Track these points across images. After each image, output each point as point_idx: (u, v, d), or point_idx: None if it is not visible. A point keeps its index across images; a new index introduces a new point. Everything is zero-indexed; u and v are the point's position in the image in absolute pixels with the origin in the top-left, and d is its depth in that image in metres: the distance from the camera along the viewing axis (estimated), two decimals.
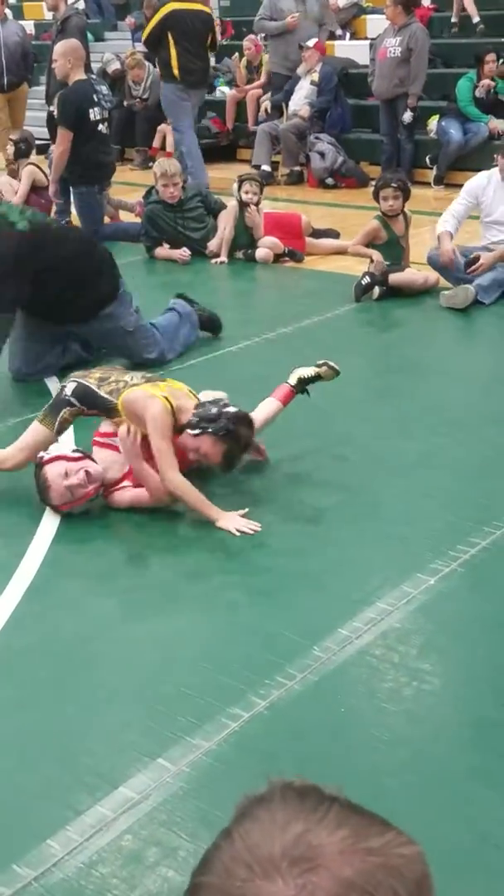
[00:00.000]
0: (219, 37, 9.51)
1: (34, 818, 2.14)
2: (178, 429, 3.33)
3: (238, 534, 3.20)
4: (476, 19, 10.24)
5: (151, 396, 3.34)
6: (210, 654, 2.66)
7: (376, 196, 6.00)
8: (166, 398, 3.35)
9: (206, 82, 9.23)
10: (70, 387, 3.49)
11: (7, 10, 10.23)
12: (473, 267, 5.71)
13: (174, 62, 8.29)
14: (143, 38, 8.74)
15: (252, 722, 2.39)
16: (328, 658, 2.60)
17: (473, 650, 2.65)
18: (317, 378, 3.82)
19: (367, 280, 5.88)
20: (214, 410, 3.31)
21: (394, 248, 6.03)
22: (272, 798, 0.71)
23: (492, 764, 2.25)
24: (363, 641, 2.67)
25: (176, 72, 8.32)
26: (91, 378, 3.52)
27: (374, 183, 9.09)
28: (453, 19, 10.42)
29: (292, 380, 3.81)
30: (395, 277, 5.87)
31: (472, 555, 3.07)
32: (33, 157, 8.50)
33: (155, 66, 10.85)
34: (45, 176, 8.23)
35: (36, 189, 8.24)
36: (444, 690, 2.50)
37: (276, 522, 3.35)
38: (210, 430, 3.27)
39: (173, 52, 8.27)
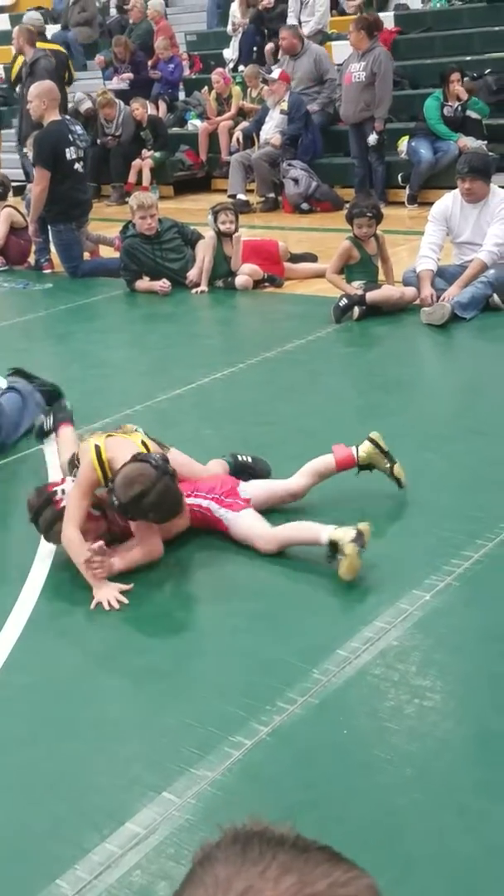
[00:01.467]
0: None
1: (43, 858, 2.13)
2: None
3: (107, 606, 3.03)
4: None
5: (87, 451, 3.34)
6: (210, 682, 2.66)
7: (350, 221, 6.08)
8: (98, 448, 3.30)
9: None
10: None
11: None
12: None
13: None
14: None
15: (255, 749, 2.38)
16: (328, 680, 2.60)
17: (472, 663, 2.66)
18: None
19: (344, 301, 5.92)
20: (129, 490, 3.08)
21: (367, 266, 6.10)
22: (216, 856, 0.70)
23: (498, 776, 2.25)
24: (362, 661, 2.67)
25: None
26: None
27: (347, 206, 9.24)
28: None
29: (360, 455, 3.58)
30: (372, 295, 5.92)
31: (466, 568, 3.08)
32: (10, 199, 8.56)
33: (126, 105, 11.01)
34: (23, 217, 8.29)
35: (14, 230, 8.30)
36: (445, 706, 2.50)
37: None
38: (129, 515, 3.17)
39: None
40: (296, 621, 2.91)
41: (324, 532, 3.10)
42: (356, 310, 5.90)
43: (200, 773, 2.32)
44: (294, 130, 9.71)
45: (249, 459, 3.79)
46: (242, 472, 3.69)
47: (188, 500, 3.31)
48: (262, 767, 2.33)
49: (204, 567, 3.27)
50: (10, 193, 8.66)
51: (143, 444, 3.39)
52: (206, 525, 3.38)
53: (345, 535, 3.03)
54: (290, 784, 2.27)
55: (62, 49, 10.61)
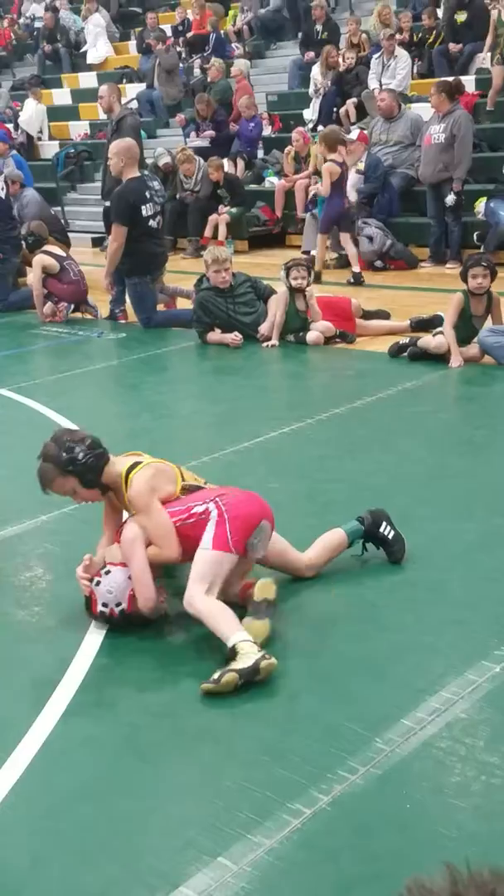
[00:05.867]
0: None
1: None
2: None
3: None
4: None
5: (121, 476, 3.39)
6: (269, 745, 2.60)
7: (464, 275, 6.06)
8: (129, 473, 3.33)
9: None
10: None
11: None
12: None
13: None
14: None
15: (314, 818, 2.31)
16: (391, 751, 2.52)
17: None
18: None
19: (403, 341, 6.32)
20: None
21: (467, 325, 6.07)
22: None
23: None
24: (427, 733, 2.58)
25: None
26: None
27: (421, 264, 9.26)
28: (489, 107, 10.59)
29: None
30: (423, 341, 6.19)
31: None
32: (85, 249, 8.77)
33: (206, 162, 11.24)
34: (56, 258, 8.43)
35: (52, 274, 8.44)
36: None
37: (335, 606, 3.30)
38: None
39: None
40: (358, 686, 2.83)
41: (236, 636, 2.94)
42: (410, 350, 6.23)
43: (257, 839, 2.25)
44: (370, 189, 9.79)
45: (390, 535, 3.55)
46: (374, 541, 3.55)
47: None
48: (320, 837, 2.26)
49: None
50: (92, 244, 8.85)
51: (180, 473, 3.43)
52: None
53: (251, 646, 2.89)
54: (349, 857, 2.19)
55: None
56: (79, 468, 3.28)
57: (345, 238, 9.19)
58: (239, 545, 3.13)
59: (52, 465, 3.32)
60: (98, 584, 3.25)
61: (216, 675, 2.81)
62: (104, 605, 3.24)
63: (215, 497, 3.23)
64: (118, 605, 3.23)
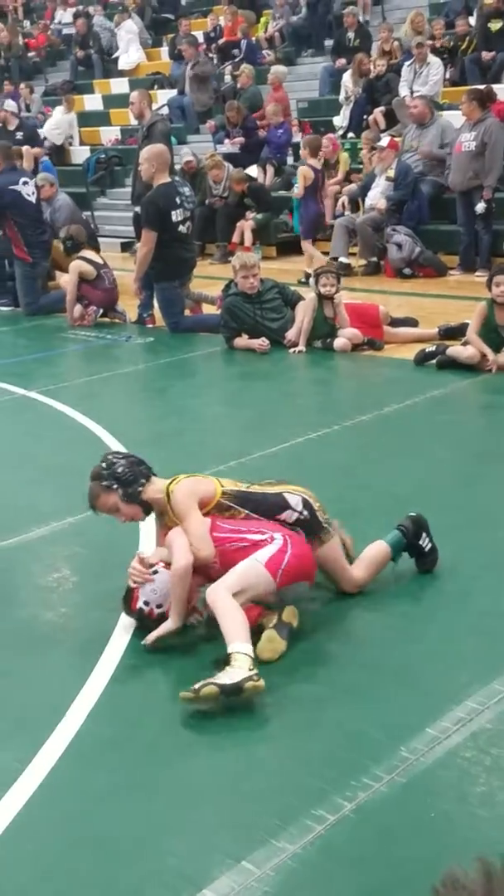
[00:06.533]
0: None
1: None
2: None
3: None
4: None
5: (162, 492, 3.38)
6: (293, 751, 2.60)
7: (489, 284, 6.06)
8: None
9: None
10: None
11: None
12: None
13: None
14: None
15: (338, 825, 2.31)
16: (416, 759, 2.51)
17: None
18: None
19: (430, 349, 6.31)
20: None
21: (490, 334, 6.06)
22: None
23: None
24: (452, 742, 2.57)
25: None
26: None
27: (450, 272, 9.24)
28: None
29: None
30: (454, 350, 6.15)
31: None
32: (114, 253, 8.82)
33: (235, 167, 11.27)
34: (94, 265, 8.49)
35: (86, 281, 8.49)
36: None
37: (360, 614, 3.30)
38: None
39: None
40: (382, 695, 2.83)
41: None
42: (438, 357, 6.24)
43: (281, 844, 2.25)
44: (400, 196, 9.77)
45: (427, 546, 3.53)
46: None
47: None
48: (344, 844, 2.25)
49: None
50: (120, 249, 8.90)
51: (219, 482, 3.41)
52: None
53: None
54: (372, 864, 2.19)
55: None
56: (119, 482, 3.33)
57: (309, 242, 9.80)
58: (283, 580, 3.15)
59: (96, 482, 3.38)
60: (143, 582, 3.28)
61: (197, 685, 2.75)
62: (145, 602, 3.26)
63: (286, 533, 3.24)
64: (159, 606, 3.25)
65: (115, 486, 3.33)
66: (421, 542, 3.48)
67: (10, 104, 12.89)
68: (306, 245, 9.76)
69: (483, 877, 0.75)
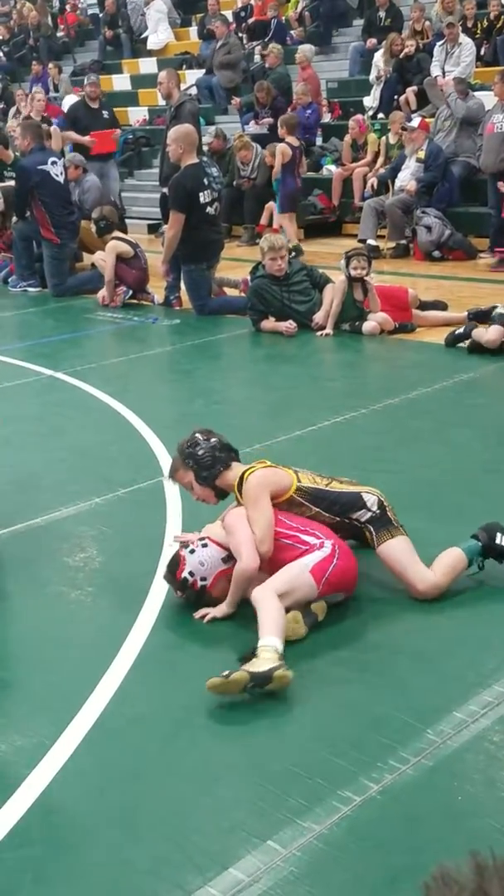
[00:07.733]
0: None
1: None
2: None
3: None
4: None
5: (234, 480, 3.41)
6: (320, 733, 2.60)
7: None
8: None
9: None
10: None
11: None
12: None
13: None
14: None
15: (364, 806, 2.31)
16: (443, 742, 2.51)
17: None
18: None
19: (460, 330, 6.29)
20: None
21: None
22: None
23: None
24: (480, 726, 2.56)
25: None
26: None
27: (480, 254, 9.13)
28: None
29: None
30: (477, 332, 6.12)
31: None
32: (142, 235, 8.80)
33: (263, 149, 11.20)
34: (130, 245, 8.48)
35: (123, 260, 8.48)
36: None
37: (388, 599, 3.29)
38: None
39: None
40: (410, 677, 2.82)
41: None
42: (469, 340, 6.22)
43: (307, 825, 2.26)
44: (430, 178, 9.68)
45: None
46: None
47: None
48: (370, 826, 2.25)
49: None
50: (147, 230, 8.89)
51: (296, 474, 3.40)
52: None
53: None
54: (397, 846, 2.19)
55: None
56: (196, 463, 3.36)
57: (290, 216, 10.31)
58: (325, 588, 3.13)
59: (178, 455, 3.44)
60: (193, 552, 3.29)
61: (227, 671, 2.74)
62: (191, 573, 3.26)
63: (336, 542, 3.22)
64: (203, 579, 3.26)
65: (192, 465, 3.36)
66: (499, 542, 3.34)
67: (38, 94, 12.86)
68: (282, 219, 10.28)
69: (475, 871, 0.74)
